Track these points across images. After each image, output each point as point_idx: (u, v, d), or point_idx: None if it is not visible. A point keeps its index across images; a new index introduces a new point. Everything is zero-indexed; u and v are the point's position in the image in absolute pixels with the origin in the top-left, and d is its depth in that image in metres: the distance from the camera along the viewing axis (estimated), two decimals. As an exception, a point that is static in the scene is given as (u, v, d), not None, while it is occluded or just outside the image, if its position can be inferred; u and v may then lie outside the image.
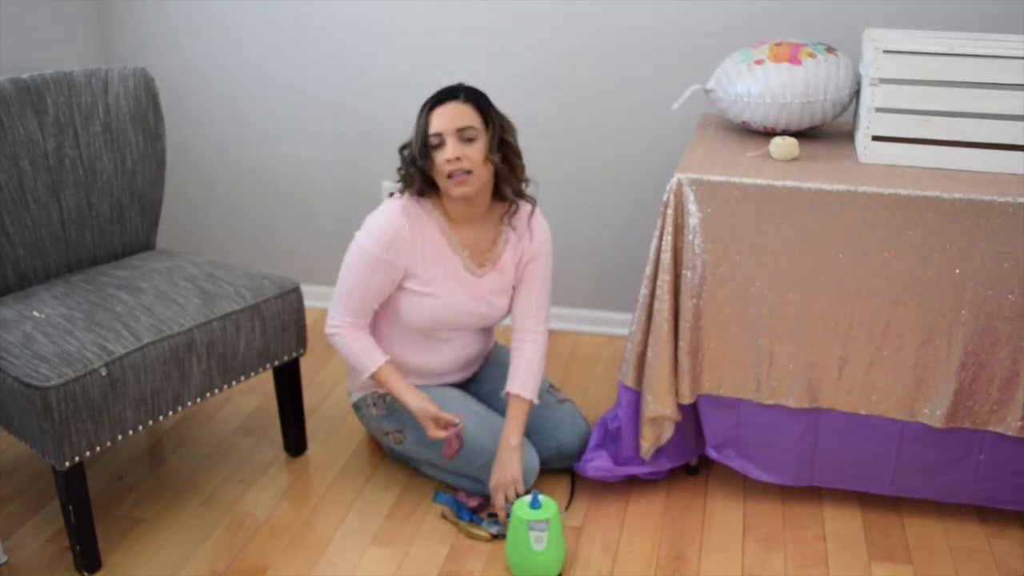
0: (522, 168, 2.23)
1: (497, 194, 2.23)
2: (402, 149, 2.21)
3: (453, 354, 2.35)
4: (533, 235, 2.29)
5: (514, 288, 2.33)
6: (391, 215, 2.18)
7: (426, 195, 2.22)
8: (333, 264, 2.33)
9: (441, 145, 2.12)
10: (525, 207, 2.29)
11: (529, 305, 2.32)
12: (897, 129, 2.15)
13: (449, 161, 2.11)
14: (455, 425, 2.18)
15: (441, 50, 2.93)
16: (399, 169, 2.22)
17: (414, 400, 2.21)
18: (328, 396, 2.81)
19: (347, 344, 2.25)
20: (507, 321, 2.55)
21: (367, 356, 2.24)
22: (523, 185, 2.25)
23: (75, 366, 1.94)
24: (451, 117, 2.12)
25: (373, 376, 2.24)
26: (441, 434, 2.18)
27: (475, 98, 2.16)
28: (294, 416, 2.48)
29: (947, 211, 1.98)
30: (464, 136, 2.12)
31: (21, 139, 2.24)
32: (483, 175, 2.15)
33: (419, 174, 2.18)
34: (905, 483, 2.21)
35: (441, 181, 2.15)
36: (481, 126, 2.14)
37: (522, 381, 2.27)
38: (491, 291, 2.29)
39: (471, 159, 2.12)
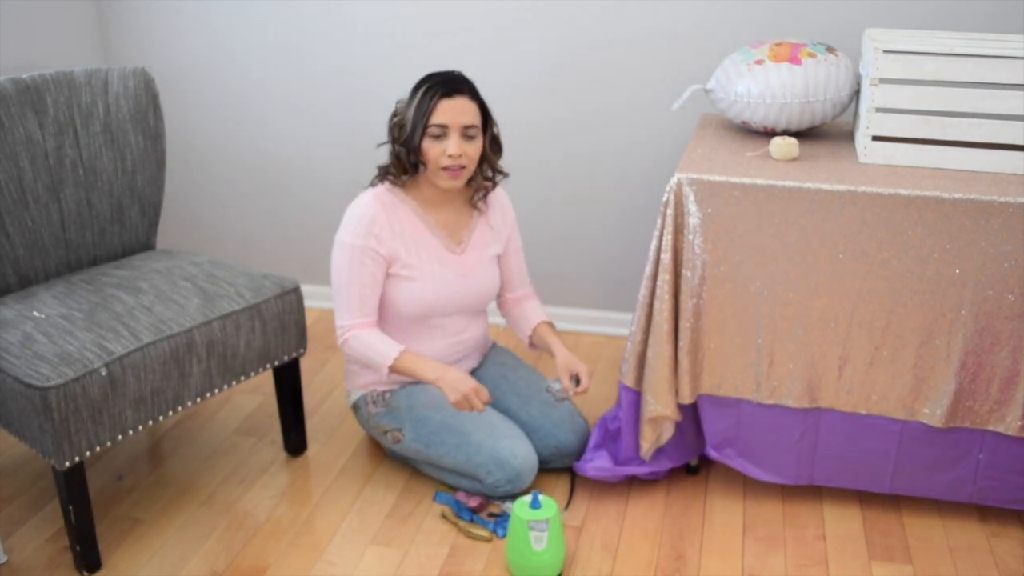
0: (500, 157, 2.31)
1: (472, 179, 2.30)
2: (392, 132, 2.22)
3: (448, 340, 2.36)
4: (503, 210, 2.40)
5: (499, 259, 2.42)
6: (365, 204, 2.23)
7: (400, 182, 2.26)
8: (333, 264, 2.33)
9: (441, 136, 2.14)
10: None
11: (521, 269, 2.48)
12: (897, 129, 2.15)
13: (451, 156, 2.15)
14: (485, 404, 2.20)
15: (442, 52, 2.93)
16: (390, 150, 2.25)
17: (444, 378, 2.19)
18: (328, 396, 2.81)
19: (360, 342, 2.24)
20: (502, 320, 2.55)
21: (383, 346, 2.23)
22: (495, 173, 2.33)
23: (75, 366, 1.94)
24: (459, 112, 2.15)
25: (393, 368, 2.22)
26: (475, 406, 2.17)
27: (477, 95, 2.20)
28: (294, 416, 2.48)
29: (947, 211, 1.98)
30: (467, 134, 2.17)
31: (21, 139, 2.24)
32: (472, 170, 2.23)
33: (405, 156, 2.20)
34: (905, 482, 2.21)
35: (432, 169, 2.19)
36: (480, 125, 2.19)
37: (540, 314, 2.45)
38: (474, 266, 2.33)
39: (470, 156, 2.19)
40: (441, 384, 2.18)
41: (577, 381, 2.26)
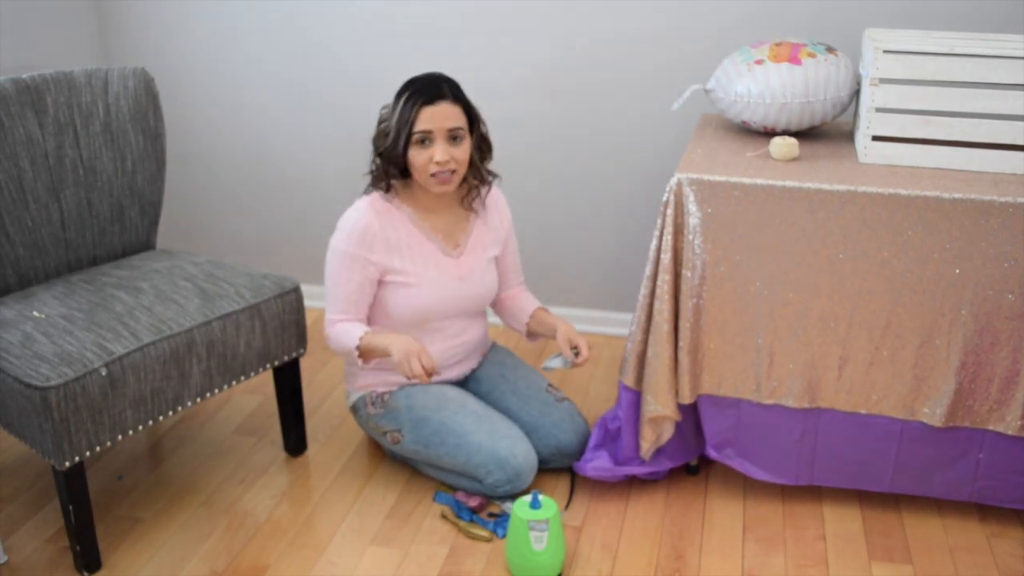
0: (490, 157, 2.31)
1: (463, 180, 2.28)
2: (376, 142, 2.22)
3: (447, 343, 2.36)
4: (500, 211, 2.40)
5: (497, 260, 2.42)
6: (359, 212, 2.23)
7: (394, 190, 2.25)
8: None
9: (427, 143, 2.14)
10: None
11: (516, 269, 2.49)
12: (897, 129, 2.15)
13: (439, 163, 2.15)
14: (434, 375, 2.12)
15: (441, 51, 2.93)
16: (372, 164, 2.25)
17: (396, 342, 2.13)
18: (328, 396, 2.81)
19: (336, 330, 2.24)
20: (498, 320, 2.55)
21: (353, 329, 2.21)
22: (487, 172, 2.33)
23: (75, 366, 1.94)
24: (442, 118, 2.14)
25: (360, 347, 2.18)
26: (419, 375, 2.09)
27: (460, 96, 2.19)
28: (294, 416, 2.48)
29: (947, 211, 1.98)
30: (452, 136, 2.15)
31: (21, 139, 2.24)
32: (463, 172, 2.22)
33: (393, 167, 2.20)
34: (905, 482, 2.21)
35: (422, 177, 2.19)
36: (466, 126, 2.19)
37: (534, 301, 2.47)
38: (471, 269, 2.32)
39: (458, 160, 2.18)
40: (391, 348, 2.13)
41: (577, 353, 2.28)
